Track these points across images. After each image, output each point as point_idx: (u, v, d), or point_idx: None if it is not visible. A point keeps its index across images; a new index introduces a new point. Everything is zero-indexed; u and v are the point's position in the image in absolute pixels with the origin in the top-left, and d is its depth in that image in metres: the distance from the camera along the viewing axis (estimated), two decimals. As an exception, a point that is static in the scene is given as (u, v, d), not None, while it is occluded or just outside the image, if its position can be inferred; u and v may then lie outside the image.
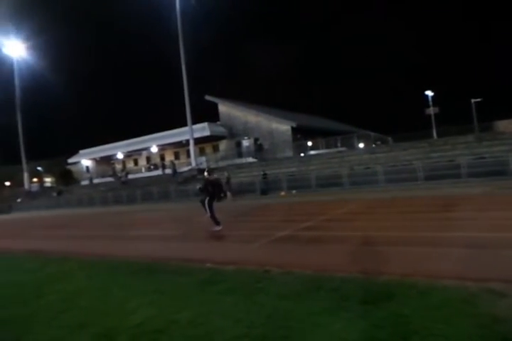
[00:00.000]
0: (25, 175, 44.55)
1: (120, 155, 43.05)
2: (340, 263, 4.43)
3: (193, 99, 32.34)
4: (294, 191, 20.46)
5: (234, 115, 36.05)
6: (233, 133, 35.70)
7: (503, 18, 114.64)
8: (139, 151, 41.47)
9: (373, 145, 30.28)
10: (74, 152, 48.70)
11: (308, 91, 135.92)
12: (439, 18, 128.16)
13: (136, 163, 45.26)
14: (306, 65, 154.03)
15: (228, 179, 20.45)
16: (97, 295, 3.99)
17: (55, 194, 40.49)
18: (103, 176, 43.72)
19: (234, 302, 3.28)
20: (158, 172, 36.89)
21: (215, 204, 8.29)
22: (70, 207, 32.35)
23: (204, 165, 29.54)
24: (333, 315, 2.78)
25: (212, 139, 35.56)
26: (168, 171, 34.26)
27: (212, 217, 8.14)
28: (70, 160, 48.76)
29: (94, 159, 46.74)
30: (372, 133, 32.90)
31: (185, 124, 32.62)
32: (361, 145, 30.86)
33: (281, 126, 32.48)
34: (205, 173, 8.67)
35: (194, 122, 32.41)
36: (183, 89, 31.82)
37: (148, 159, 43.68)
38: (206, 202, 8.13)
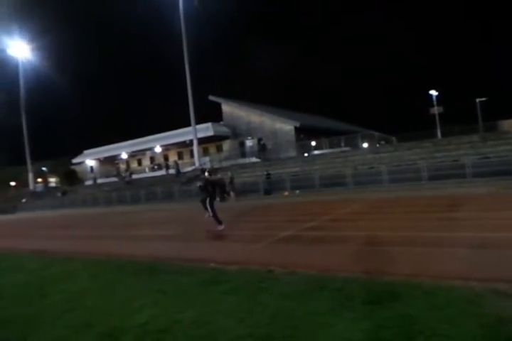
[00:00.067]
0: (30, 176, 44.87)
1: (124, 156, 43.27)
2: (344, 263, 4.42)
3: (197, 99, 32.46)
4: (297, 191, 20.41)
5: (237, 115, 36.07)
6: (237, 133, 35.73)
7: (503, 18, 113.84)
8: (142, 151, 41.63)
9: (377, 145, 30.11)
10: (78, 152, 49.02)
11: (311, 91, 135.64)
12: (439, 18, 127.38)
13: (140, 163, 45.41)
14: (306, 65, 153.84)
15: (232, 179, 20.51)
16: (102, 294, 4.01)
17: (59, 194, 40.70)
18: (107, 176, 43.96)
19: (237, 302, 3.28)
20: (162, 172, 37.03)
21: (217, 204, 8.30)
22: (74, 207, 32.51)
23: (208, 165, 29.56)
24: (337, 315, 2.77)
25: (216, 139, 35.62)
26: (171, 171, 34.38)
27: (215, 216, 8.17)
28: (74, 161, 49.05)
29: (98, 159, 46.97)
30: (376, 133, 32.73)
31: (188, 124, 32.75)
32: (365, 145, 30.70)
33: (285, 126, 32.45)
34: (206, 173, 8.69)
35: (197, 122, 32.53)
36: (186, 90, 31.93)
37: (152, 159, 43.82)
38: (207, 202, 8.17)
